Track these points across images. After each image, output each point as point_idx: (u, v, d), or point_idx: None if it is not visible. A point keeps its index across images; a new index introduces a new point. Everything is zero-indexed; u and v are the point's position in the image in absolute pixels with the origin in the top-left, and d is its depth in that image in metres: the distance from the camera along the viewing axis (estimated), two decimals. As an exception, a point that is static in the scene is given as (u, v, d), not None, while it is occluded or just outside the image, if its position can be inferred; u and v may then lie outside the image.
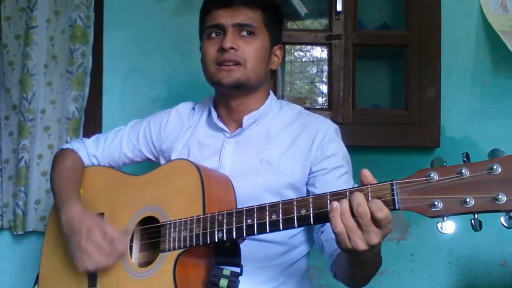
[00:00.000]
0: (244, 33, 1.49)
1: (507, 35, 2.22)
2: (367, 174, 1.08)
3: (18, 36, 2.39)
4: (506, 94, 2.31)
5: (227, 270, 1.27)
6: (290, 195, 1.44)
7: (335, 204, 1.07)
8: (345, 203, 1.07)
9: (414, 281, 2.29)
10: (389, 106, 2.50)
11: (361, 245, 1.06)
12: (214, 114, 1.58)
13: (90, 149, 1.71)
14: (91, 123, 2.37)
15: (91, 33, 2.35)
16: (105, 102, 2.38)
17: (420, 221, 2.29)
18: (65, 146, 1.74)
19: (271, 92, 1.63)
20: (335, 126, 1.58)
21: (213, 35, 1.51)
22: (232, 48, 1.46)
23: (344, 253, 1.24)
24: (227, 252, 1.28)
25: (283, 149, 1.51)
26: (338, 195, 1.10)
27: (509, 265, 2.27)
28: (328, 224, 1.40)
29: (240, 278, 1.27)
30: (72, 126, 2.29)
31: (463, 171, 0.95)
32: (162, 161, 1.65)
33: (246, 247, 1.32)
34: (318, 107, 2.68)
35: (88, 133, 2.28)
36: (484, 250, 2.27)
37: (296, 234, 1.52)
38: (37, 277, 1.62)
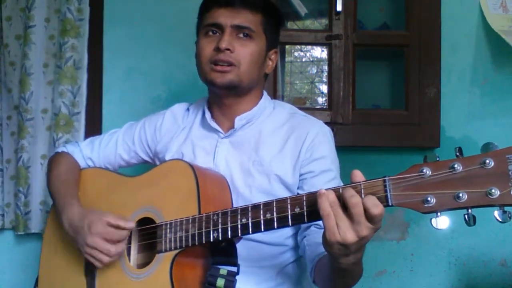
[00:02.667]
0: (242, 35, 1.47)
1: (507, 34, 2.22)
2: (358, 174, 1.06)
3: (19, 36, 2.39)
4: (506, 94, 2.31)
5: (224, 269, 1.26)
6: (283, 196, 1.42)
7: (323, 190, 1.05)
8: (336, 192, 1.05)
9: (414, 281, 2.29)
10: (389, 106, 2.50)
11: (351, 237, 1.02)
12: (207, 114, 1.57)
13: (85, 152, 1.69)
14: (91, 123, 2.35)
15: (85, 27, 2.33)
16: (105, 102, 2.38)
17: (420, 221, 2.29)
18: (60, 149, 1.72)
19: (265, 93, 1.61)
20: (327, 128, 1.55)
21: (211, 33, 1.49)
22: (228, 49, 1.44)
23: (326, 259, 1.22)
24: (224, 252, 1.28)
25: (275, 151, 1.48)
26: (331, 192, 1.08)
27: (509, 265, 2.26)
28: (311, 228, 1.40)
29: (237, 277, 1.26)
30: (58, 122, 2.27)
31: (456, 166, 0.95)
32: (158, 163, 1.64)
33: (243, 248, 1.31)
34: (318, 107, 2.67)
35: (88, 134, 2.28)
36: (484, 250, 2.26)
37: (292, 235, 1.50)
38: (37, 279, 1.62)
